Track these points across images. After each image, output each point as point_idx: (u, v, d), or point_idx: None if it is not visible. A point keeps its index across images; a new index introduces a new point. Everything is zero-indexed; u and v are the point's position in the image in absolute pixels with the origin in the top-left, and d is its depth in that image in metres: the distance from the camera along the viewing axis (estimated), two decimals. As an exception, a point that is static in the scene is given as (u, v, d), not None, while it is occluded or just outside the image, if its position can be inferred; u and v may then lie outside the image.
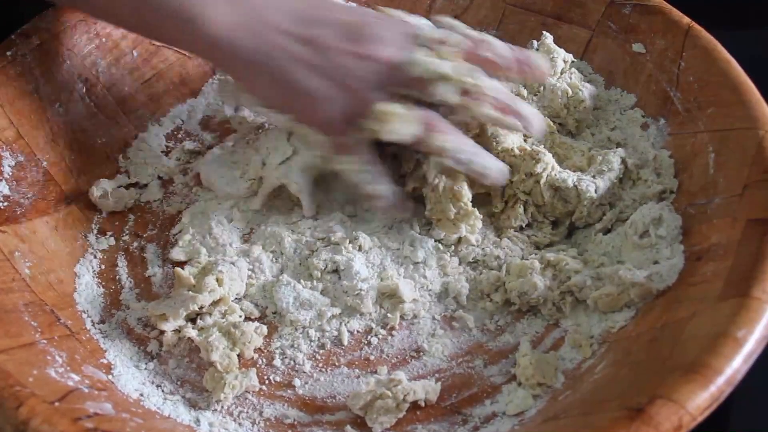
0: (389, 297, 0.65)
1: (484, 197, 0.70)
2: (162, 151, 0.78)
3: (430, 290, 0.66)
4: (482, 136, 0.70)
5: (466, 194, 0.66)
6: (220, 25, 0.62)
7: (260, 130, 0.76)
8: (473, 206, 0.67)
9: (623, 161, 0.70)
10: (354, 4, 0.79)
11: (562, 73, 0.77)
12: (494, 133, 0.70)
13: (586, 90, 0.75)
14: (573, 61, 0.78)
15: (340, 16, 0.66)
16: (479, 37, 0.68)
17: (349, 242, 0.67)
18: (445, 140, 0.65)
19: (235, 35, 0.63)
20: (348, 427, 0.58)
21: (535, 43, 0.79)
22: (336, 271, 0.66)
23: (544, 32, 0.78)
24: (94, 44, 0.77)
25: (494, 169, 0.66)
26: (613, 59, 0.78)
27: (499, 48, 0.68)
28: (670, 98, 0.73)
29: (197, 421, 0.58)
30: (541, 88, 0.76)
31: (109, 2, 0.66)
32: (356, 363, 0.62)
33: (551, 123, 0.73)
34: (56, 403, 0.51)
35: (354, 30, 0.65)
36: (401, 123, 0.64)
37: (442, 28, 0.69)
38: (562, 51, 0.77)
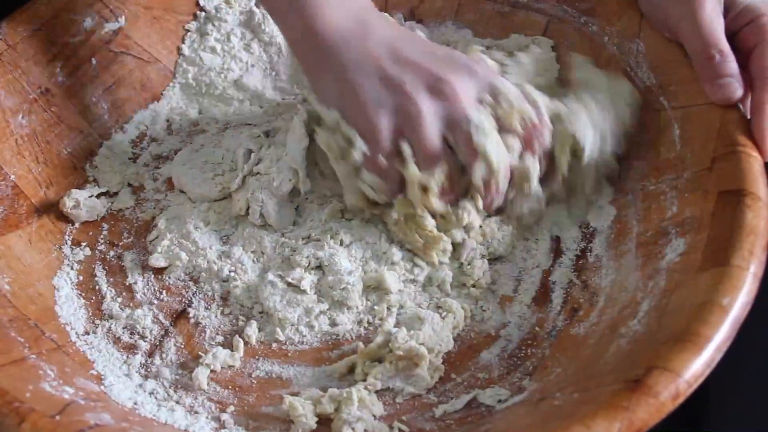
0: (375, 289, 0.65)
1: None
2: (129, 158, 0.77)
3: (414, 280, 0.67)
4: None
5: (430, 222, 0.66)
6: (328, 25, 0.66)
7: (227, 130, 0.76)
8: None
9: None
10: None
11: None
12: None
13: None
14: None
15: (427, 63, 0.65)
16: (543, 117, 0.67)
17: (330, 237, 0.67)
18: None
19: (338, 40, 0.66)
20: None
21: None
22: (320, 267, 0.66)
23: None
24: (51, 53, 0.76)
25: None
26: (572, 43, 0.79)
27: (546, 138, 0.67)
28: (631, 78, 0.75)
29: (194, 424, 0.58)
30: None
31: None
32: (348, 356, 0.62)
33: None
34: (57, 417, 0.50)
35: (436, 75, 0.65)
36: (432, 201, 0.65)
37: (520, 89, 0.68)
38: None
